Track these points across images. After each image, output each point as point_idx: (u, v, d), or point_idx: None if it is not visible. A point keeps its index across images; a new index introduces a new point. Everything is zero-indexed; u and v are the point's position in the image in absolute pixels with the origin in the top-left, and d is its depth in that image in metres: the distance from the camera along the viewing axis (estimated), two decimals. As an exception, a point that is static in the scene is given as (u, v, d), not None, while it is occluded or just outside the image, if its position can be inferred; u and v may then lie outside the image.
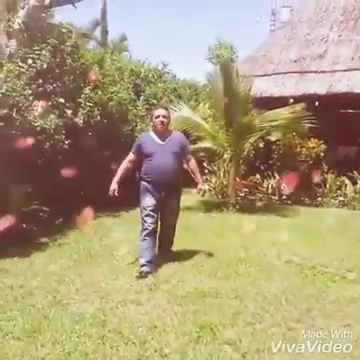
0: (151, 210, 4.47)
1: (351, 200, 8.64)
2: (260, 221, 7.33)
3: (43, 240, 5.82)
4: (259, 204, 9.00)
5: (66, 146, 6.55)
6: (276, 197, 9.01)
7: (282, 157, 8.96)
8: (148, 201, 4.49)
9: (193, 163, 4.78)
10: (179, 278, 4.24)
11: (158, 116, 4.50)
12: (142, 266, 4.37)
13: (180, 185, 4.71)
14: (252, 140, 7.94)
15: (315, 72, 9.02)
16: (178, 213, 4.74)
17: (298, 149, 8.75)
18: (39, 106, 6.19)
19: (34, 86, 6.46)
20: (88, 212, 6.19)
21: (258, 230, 6.59)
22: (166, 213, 4.63)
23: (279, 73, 9.45)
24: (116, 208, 7.52)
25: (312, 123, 7.48)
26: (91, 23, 19.07)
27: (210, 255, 5.08)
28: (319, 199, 8.77)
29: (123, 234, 5.84)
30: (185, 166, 4.85)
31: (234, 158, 7.92)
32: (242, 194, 9.12)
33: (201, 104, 13.41)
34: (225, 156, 7.87)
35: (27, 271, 4.64)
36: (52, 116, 6.23)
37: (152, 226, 4.47)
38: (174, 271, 4.46)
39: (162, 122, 4.50)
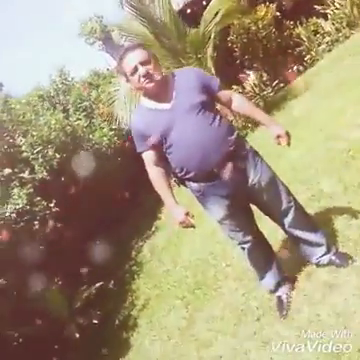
0: (230, 222, 2.53)
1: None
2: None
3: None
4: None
5: None
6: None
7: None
8: (217, 210, 2.50)
9: (239, 99, 2.54)
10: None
11: (135, 69, 2.25)
12: (274, 291, 2.70)
13: (246, 144, 2.49)
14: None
15: None
16: (285, 187, 2.53)
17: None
18: None
19: None
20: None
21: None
22: (265, 199, 2.47)
23: None
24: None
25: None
26: None
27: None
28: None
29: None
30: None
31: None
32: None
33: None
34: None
35: None
36: None
37: (249, 242, 2.60)
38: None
39: (148, 75, 2.25)
